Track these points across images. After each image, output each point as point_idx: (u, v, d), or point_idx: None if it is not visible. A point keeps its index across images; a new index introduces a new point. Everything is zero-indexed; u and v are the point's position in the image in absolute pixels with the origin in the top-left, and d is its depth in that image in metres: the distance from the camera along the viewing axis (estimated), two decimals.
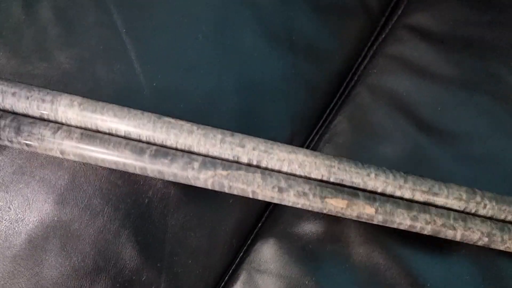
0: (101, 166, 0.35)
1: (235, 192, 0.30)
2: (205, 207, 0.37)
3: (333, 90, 0.44)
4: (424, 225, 0.31)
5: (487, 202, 0.32)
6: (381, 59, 0.43)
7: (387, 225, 0.31)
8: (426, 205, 0.31)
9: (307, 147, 0.42)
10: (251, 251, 0.38)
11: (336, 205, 0.30)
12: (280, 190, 0.30)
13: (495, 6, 0.42)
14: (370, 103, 0.41)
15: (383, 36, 0.45)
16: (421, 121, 0.39)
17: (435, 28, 0.43)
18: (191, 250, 0.36)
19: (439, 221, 0.31)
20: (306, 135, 0.42)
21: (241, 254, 0.38)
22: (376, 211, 0.30)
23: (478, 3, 0.43)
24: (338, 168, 0.31)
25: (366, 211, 0.30)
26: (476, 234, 0.31)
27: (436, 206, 0.32)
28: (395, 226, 0.31)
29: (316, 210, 0.31)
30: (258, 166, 0.31)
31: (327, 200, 0.30)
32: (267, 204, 0.40)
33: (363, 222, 0.36)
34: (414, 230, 0.31)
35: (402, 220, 0.31)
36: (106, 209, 0.35)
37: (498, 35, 0.41)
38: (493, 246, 0.32)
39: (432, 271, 0.34)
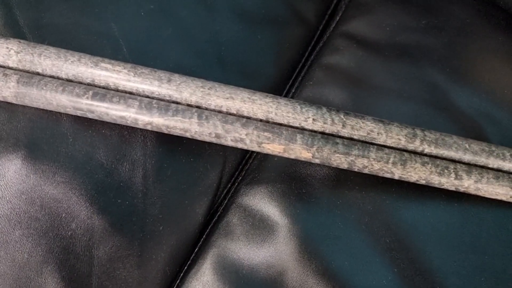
0: (19, 200, 0.34)
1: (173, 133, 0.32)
2: (134, 236, 0.35)
3: None
4: (361, 168, 0.32)
5: (426, 146, 0.33)
6: (317, 70, 0.41)
7: (326, 165, 0.33)
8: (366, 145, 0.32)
9: (244, 166, 0.40)
10: (186, 279, 0.36)
11: (273, 149, 0.31)
12: (218, 136, 0.31)
13: (432, 10, 0.40)
14: None
15: (320, 45, 0.43)
16: None
17: (372, 35, 0.41)
18: (121, 282, 0.35)
19: (377, 165, 0.32)
20: (242, 154, 0.40)
21: (177, 282, 0.37)
22: (313, 156, 0.31)
23: (415, 8, 0.41)
24: (276, 113, 0.31)
25: (302, 155, 0.31)
26: (413, 177, 0.32)
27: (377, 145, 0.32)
28: (334, 166, 0.32)
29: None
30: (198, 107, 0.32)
31: (264, 145, 0.31)
32: (203, 229, 0.38)
33: (298, 242, 0.35)
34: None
35: (340, 163, 0.32)
36: (26, 244, 0.33)
37: (435, 40, 0.39)
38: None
39: None
